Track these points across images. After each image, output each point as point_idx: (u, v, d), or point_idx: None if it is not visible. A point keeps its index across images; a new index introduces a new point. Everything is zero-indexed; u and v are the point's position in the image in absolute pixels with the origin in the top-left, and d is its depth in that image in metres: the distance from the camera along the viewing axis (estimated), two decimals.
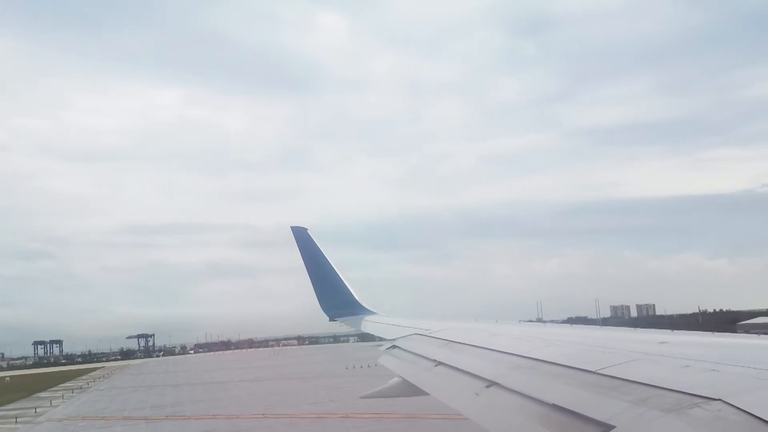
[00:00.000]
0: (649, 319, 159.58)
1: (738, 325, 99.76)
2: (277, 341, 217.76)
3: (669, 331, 6.20)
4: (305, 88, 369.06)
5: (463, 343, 7.59)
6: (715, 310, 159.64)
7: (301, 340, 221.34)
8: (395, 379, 8.51)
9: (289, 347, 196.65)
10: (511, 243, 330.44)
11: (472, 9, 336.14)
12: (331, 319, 17.19)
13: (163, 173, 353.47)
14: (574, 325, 8.64)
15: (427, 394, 6.87)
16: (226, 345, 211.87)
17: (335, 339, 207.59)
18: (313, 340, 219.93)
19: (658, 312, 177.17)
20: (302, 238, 18.46)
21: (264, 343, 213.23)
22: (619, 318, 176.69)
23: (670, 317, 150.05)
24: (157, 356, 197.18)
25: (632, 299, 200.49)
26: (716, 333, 5.86)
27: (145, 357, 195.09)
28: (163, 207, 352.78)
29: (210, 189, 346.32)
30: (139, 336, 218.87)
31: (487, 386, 5.41)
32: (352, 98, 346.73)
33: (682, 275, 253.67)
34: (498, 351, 6.45)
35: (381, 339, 11.30)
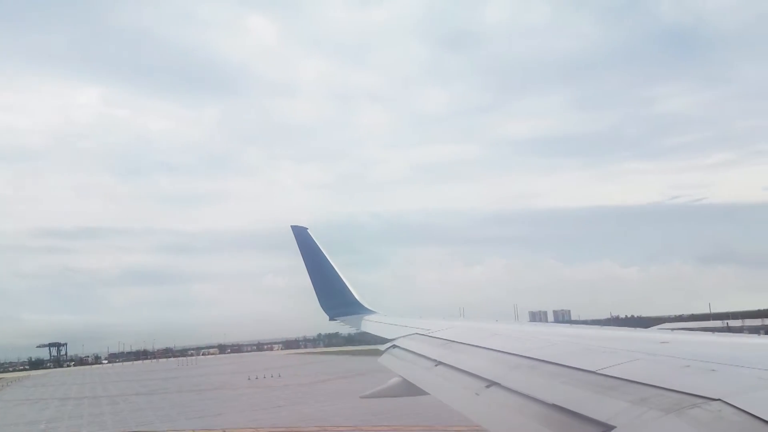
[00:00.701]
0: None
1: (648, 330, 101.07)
2: (197, 350, 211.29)
3: (669, 330, 6.20)
4: (232, 91, 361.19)
5: (463, 343, 7.59)
6: (627, 316, 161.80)
7: (222, 348, 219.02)
8: (395, 379, 8.51)
9: (208, 356, 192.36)
10: (435, 250, 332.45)
11: (399, 20, 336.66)
12: (331, 319, 17.22)
13: (81, 175, 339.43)
14: (574, 325, 8.65)
15: (427, 393, 6.88)
16: (141, 354, 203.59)
17: (258, 347, 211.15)
18: (235, 348, 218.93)
19: (573, 317, 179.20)
20: (302, 237, 18.48)
21: (183, 352, 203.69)
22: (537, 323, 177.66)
23: (584, 322, 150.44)
24: (68, 366, 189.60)
25: (549, 305, 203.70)
26: (716, 333, 5.86)
27: (55, 367, 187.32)
28: (80, 210, 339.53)
29: (130, 192, 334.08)
30: (50, 345, 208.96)
31: (488, 386, 5.41)
32: (280, 103, 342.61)
33: (596, 282, 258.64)
34: (498, 351, 6.45)
35: (384, 339, 11.29)
